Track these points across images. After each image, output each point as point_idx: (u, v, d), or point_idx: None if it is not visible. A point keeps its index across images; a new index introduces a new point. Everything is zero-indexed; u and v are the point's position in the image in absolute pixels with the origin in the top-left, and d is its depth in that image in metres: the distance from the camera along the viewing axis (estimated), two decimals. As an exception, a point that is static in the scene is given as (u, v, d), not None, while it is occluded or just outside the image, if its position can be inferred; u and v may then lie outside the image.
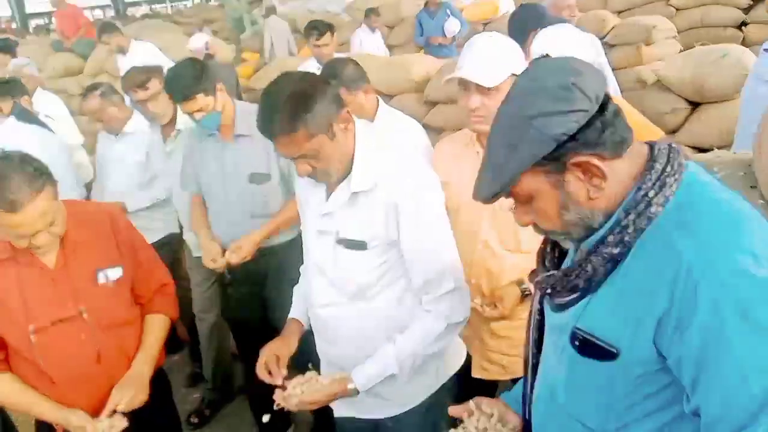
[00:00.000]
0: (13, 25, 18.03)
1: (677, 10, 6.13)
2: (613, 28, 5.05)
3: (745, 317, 0.92)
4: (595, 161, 1.02)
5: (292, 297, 2.76)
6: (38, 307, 1.80)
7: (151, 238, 3.04)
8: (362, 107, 2.58)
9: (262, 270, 2.78)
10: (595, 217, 1.07)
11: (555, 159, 1.03)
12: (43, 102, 4.85)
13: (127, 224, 2.07)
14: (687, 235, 0.98)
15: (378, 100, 2.76)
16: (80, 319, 1.84)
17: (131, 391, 1.89)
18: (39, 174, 1.67)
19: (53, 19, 12.58)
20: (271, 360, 1.79)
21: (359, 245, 1.68)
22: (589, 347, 1.10)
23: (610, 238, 1.05)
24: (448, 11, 7.25)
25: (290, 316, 1.96)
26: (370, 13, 7.50)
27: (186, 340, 3.83)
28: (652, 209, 1.02)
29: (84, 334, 1.85)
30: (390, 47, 7.84)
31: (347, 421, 1.93)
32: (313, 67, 4.07)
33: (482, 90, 1.87)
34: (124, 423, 1.83)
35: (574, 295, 1.13)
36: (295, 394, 1.69)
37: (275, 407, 1.74)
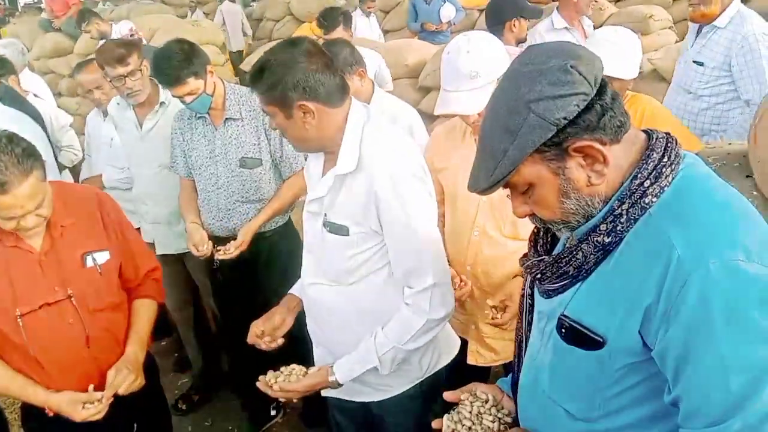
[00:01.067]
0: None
1: (674, 0, 6.10)
2: (610, 16, 5.02)
3: (731, 313, 0.91)
4: (597, 146, 1.00)
5: (281, 283, 2.76)
6: (25, 290, 1.77)
7: (137, 223, 3.01)
8: (357, 91, 2.55)
9: (252, 255, 2.75)
10: (595, 204, 1.05)
11: (556, 144, 1.00)
12: (30, 82, 4.78)
13: (115, 207, 2.03)
14: (679, 227, 0.97)
15: (373, 85, 2.72)
16: (68, 302, 1.82)
17: (131, 375, 1.88)
18: (27, 155, 1.63)
19: (43, -2, 12.41)
20: (255, 334, 1.85)
21: (343, 230, 1.67)
22: (574, 335, 1.09)
23: (602, 227, 1.04)
24: None
25: (290, 290, 1.98)
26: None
27: (175, 325, 3.80)
28: (647, 199, 1.01)
29: (72, 318, 1.82)
30: (385, 32, 7.79)
31: (336, 401, 1.95)
32: None
33: None
34: (106, 405, 1.82)
35: (563, 282, 1.12)
36: (277, 383, 1.72)
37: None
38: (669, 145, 1.04)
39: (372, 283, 1.73)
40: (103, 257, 1.90)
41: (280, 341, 1.84)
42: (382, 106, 2.63)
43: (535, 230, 1.26)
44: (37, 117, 3.65)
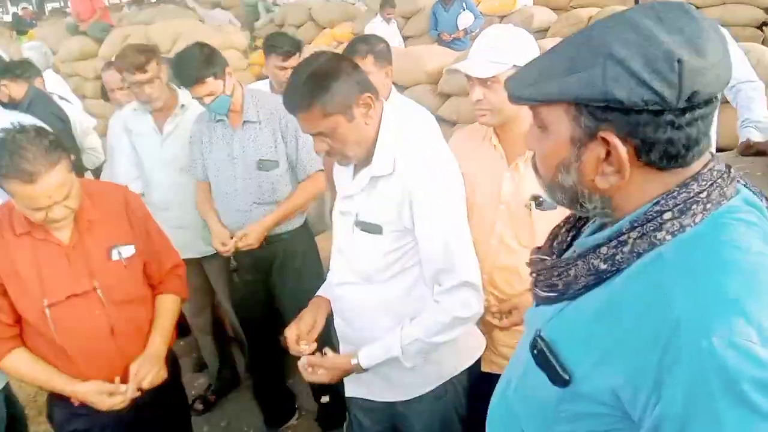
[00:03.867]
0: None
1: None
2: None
3: (738, 398, 0.72)
4: (623, 155, 0.83)
5: (296, 284, 2.77)
6: (53, 281, 1.81)
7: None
8: (379, 88, 2.57)
9: (268, 257, 2.79)
10: (590, 198, 0.92)
11: (594, 117, 0.84)
12: (54, 83, 4.86)
13: (140, 204, 2.08)
14: (686, 281, 0.79)
15: (392, 88, 2.74)
16: (94, 294, 1.86)
17: (155, 368, 1.93)
18: (55, 146, 1.69)
19: (69, 2, 12.62)
20: (293, 341, 1.83)
21: (375, 229, 1.68)
22: (544, 360, 0.96)
23: (603, 250, 0.88)
24: (464, 4, 7.20)
25: (318, 292, 1.98)
26: (386, 4, 7.46)
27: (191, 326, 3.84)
28: (659, 234, 0.84)
29: (98, 309, 1.86)
30: (405, 38, 7.81)
31: (360, 401, 1.96)
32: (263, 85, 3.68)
33: (482, 82, 1.82)
34: (130, 396, 1.87)
35: (550, 294, 0.98)
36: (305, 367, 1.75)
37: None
38: (719, 181, 0.85)
39: (402, 282, 1.74)
40: (128, 251, 1.94)
41: (314, 345, 1.83)
42: (395, 106, 2.65)
43: (561, 223, 1.11)
44: (64, 118, 3.72)
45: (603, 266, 0.88)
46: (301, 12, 9.72)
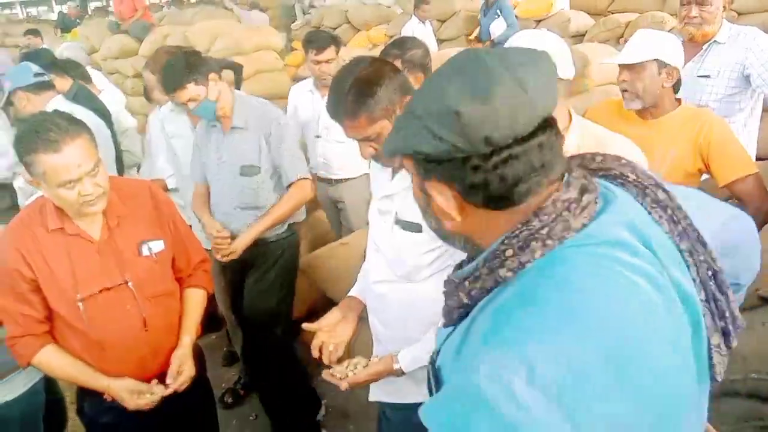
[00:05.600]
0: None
1: (739, 14, 5.94)
2: (671, 29, 4.91)
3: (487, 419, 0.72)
4: (442, 202, 0.88)
5: (281, 289, 2.87)
6: (85, 276, 1.85)
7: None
8: None
9: (254, 261, 2.89)
10: (453, 238, 0.95)
11: (422, 167, 0.89)
12: (98, 81, 4.98)
13: (167, 200, 2.11)
14: (493, 315, 0.82)
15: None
16: (126, 288, 1.89)
17: (188, 362, 1.98)
18: (75, 122, 1.77)
19: (111, 1, 12.90)
20: (326, 346, 1.82)
21: (415, 227, 1.68)
22: (432, 377, 0.98)
23: (466, 284, 0.90)
24: (498, 11, 7.15)
25: (350, 293, 1.98)
26: (420, 3, 7.44)
27: (224, 320, 3.89)
28: (502, 271, 0.85)
29: (129, 304, 1.90)
30: (441, 41, 7.79)
31: (386, 407, 1.94)
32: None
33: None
34: (162, 392, 1.92)
35: (445, 316, 0.98)
36: (343, 376, 1.74)
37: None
38: (563, 213, 0.84)
39: (440, 281, 1.74)
40: (158, 246, 1.98)
41: (341, 352, 1.83)
42: None
43: None
44: (107, 115, 3.81)
45: (465, 300, 0.90)
46: (337, 14, 9.79)
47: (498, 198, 0.85)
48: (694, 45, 2.82)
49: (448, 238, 0.97)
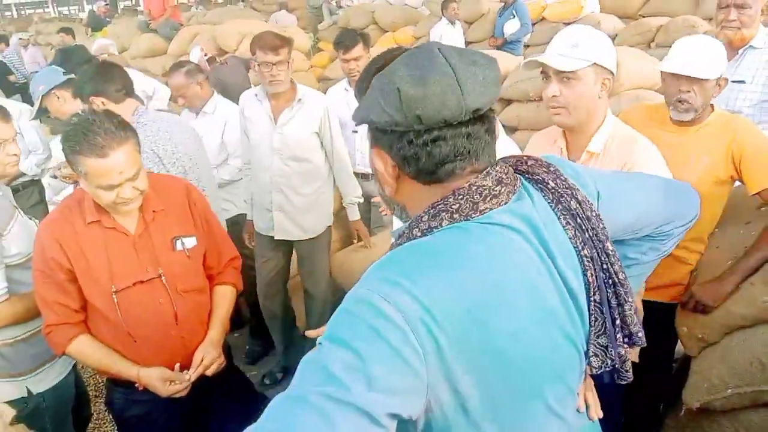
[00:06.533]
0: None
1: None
2: (704, 33, 4.84)
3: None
4: (379, 166, 1.04)
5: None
6: (121, 269, 1.88)
7: (221, 216, 3.13)
8: None
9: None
10: (391, 202, 1.10)
11: (373, 135, 1.04)
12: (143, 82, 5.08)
13: (201, 198, 2.14)
14: (387, 256, 0.99)
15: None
16: (159, 281, 1.92)
17: (217, 354, 2.00)
18: (123, 126, 1.79)
19: (141, 1, 13.06)
20: None
21: None
22: None
23: (398, 241, 1.05)
24: (513, 11, 7.15)
25: None
26: (446, 4, 7.43)
27: (248, 318, 3.92)
28: (415, 232, 1.02)
29: (162, 297, 1.93)
30: (469, 43, 7.77)
31: None
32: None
33: (560, 78, 1.82)
34: (190, 383, 1.95)
35: None
36: None
37: None
38: (477, 197, 0.99)
39: None
40: (190, 242, 2.00)
41: None
42: None
43: None
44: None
45: None
46: (364, 15, 9.81)
47: (426, 172, 1.00)
48: (729, 50, 2.78)
49: (390, 203, 1.11)
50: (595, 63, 1.78)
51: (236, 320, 3.61)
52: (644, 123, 2.31)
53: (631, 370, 1.14)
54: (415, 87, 0.93)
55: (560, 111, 1.85)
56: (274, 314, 3.52)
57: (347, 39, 3.48)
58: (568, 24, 7.01)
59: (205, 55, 5.86)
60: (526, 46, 7.43)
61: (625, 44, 5.83)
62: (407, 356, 0.87)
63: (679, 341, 2.27)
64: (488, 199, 1.00)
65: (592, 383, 1.23)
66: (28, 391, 2.08)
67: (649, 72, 4.18)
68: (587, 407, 1.20)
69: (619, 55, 4.42)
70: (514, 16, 7.12)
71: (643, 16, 6.79)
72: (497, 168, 1.03)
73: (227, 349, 2.18)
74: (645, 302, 2.29)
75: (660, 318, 2.25)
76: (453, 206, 0.99)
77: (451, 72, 0.95)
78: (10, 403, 2.02)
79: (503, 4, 7.40)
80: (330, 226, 3.40)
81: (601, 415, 1.24)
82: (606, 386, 1.34)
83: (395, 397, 0.85)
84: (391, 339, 0.86)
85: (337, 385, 0.83)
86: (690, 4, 6.59)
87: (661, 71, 2.18)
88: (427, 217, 1.00)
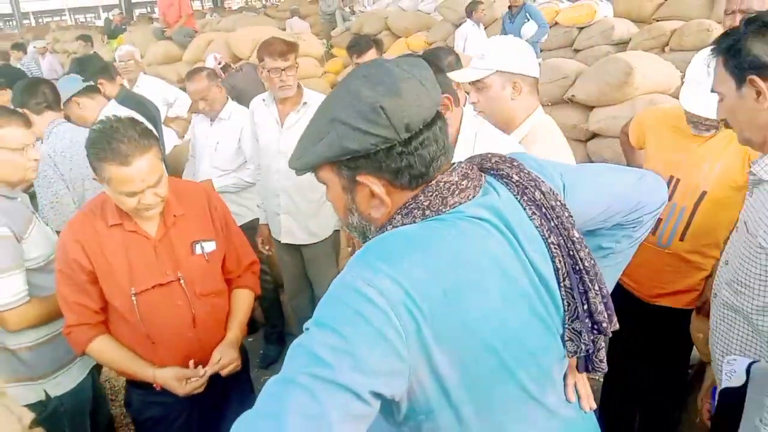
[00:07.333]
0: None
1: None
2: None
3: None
4: (376, 189, 1.05)
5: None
6: (141, 271, 1.91)
7: (238, 221, 3.16)
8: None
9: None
10: (372, 230, 1.12)
11: (348, 168, 1.05)
12: (148, 86, 5.13)
13: (221, 203, 2.16)
14: (366, 246, 1.04)
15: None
16: (178, 285, 1.95)
17: (234, 355, 2.02)
18: (147, 134, 1.80)
19: (156, 9, 13.19)
20: None
21: None
22: None
23: None
24: (527, 14, 7.14)
25: None
26: (474, 6, 7.44)
27: (260, 323, 3.94)
28: (389, 227, 1.06)
29: (180, 300, 1.95)
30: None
31: None
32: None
33: (476, 87, 2.03)
34: (206, 380, 1.95)
35: None
36: None
37: None
38: (445, 192, 1.05)
39: None
40: (210, 246, 2.03)
41: None
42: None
43: None
44: (154, 120, 3.91)
45: None
46: (377, 21, 9.85)
47: (419, 176, 1.05)
48: None
49: (364, 230, 1.14)
50: (498, 70, 1.95)
51: (250, 325, 3.64)
52: (659, 126, 2.31)
53: (605, 361, 1.18)
54: (393, 99, 0.98)
55: (482, 114, 2.02)
56: (298, 313, 3.56)
57: (361, 43, 3.54)
58: (582, 29, 7.01)
59: (219, 63, 5.91)
60: (540, 50, 7.41)
61: (639, 48, 5.81)
62: (391, 338, 0.91)
63: (694, 347, 2.26)
64: (456, 193, 1.05)
65: (585, 375, 1.24)
66: (47, 395, 2.11)
67: (663, 76, 4.17)
68: (579, 399, 1.22)
69: (633, 60, 4.43)
70: (529, 20, 7.11)
71: (657, 20, 6.74)
72: (462, 165, 1.10)
73: (244, 353, 2.20)
74: (661, 308, 2.29)
75: (675, 324, 2.24)
76: (424, 203, 1.04)
77: (410, 77, 1.01)
78: (29, 406, 2.04)
79: (509, 9, 7.40)
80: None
81: (594, 406, 1.25)
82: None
83: (379, 377, 0.91)
84: (374, 322, 0.91)
85: (323, 366, 0.88)
86: (704, 7, 6.54)
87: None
88: (400, 216, 1.06)
